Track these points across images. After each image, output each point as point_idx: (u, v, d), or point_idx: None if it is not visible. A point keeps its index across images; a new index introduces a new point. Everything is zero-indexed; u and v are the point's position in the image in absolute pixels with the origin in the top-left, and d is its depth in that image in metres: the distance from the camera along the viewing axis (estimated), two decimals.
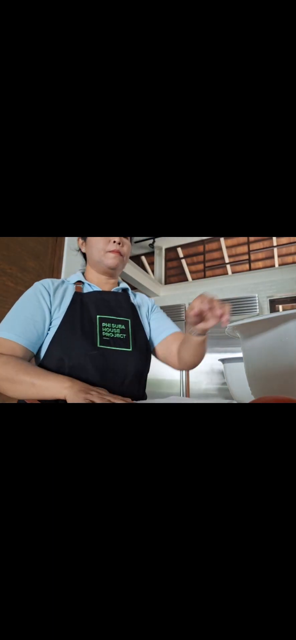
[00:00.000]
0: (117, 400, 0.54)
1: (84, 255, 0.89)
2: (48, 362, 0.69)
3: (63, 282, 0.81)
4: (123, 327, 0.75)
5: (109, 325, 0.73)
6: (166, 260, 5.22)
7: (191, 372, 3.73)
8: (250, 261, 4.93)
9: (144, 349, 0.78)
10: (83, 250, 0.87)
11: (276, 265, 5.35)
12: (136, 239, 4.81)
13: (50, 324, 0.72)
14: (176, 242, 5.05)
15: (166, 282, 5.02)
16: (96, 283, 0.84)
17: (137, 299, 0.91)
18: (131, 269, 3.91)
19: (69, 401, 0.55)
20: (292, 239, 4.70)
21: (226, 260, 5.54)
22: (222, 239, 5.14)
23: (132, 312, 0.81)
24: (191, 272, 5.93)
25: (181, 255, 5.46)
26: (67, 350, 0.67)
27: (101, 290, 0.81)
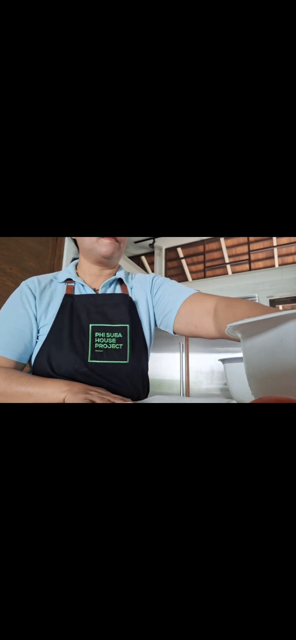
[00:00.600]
0: (117, 400, 0.53)
1: (76, 242, 0.79)
2: (37, 373, 0.65)
3: (52, 280, 0.74)
4: (120, 335, 0.67)
5: (103, 335, 0.65)
6: (166, 260, 5.22)
7: (191, 372, 3.73)
8: (250, 261, 4.93)
9: (143, 354, 0.72)
10: (76, 239, 0.78)
11: (276, 265, 5.36)
12: (136, 239, 4.81)
13: (38, 332, 0.67)
14: (176, 242, 5.06)
15: None
16: (89, 276, 0.75)
17: (135, 288, 0.79)
18: (131, 269, 3.92)
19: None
20: (292, 239, 4.70)
21: (226, 260, 5.55)
22: (222, 239, 5.14)
23: (131, 314, 0.71)
24: (191, 272, 5.93)
25: (181, 255, 5.46)
26: (54, 366, 0.62)
27: (94, 292, 0.72)
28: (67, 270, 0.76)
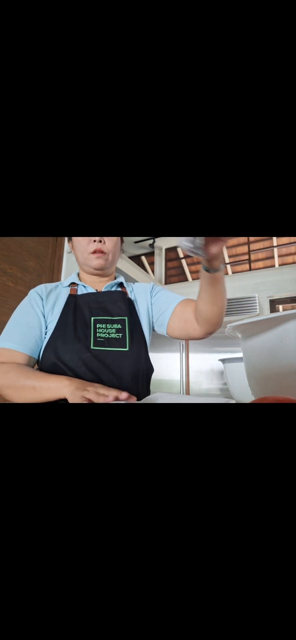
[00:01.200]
0: (112, 393, 0.53)
1: None
2: (44, 368, 0.70)
3: (57, 286, 0.81)
4: (119, 326, 0.73)
5: (104, 326, 0.72)
6: (166, 260, 5.22)
7: (191, 372, 3.72)
8: (250, 261, 4.92)
9: (142, 346, 0.76)
10: (73, 252, 0.84)
11: (277, 265, 5.35)
12: (136, 239, 4.81)
13: (46, 328, 0.73)
14: (176, 242, 5.05)
15: (166, 282, 5.01)
16: (89, 283, 0.82)
17: (135, 291, 0.86)
18: (131, 269, 3.91)
19: (68, 399, 0.57)
20: (292, 239, 4.69)
21: (226, 260, 5.54)
22: None
23: (129, 309, 0.78)
24: (191, 272, 5.92)
25: (181, 255, 5.46)
26: (60, 355, 0.67)
27: (95, 291, 0.79)
28: (70, 277, 0.84)
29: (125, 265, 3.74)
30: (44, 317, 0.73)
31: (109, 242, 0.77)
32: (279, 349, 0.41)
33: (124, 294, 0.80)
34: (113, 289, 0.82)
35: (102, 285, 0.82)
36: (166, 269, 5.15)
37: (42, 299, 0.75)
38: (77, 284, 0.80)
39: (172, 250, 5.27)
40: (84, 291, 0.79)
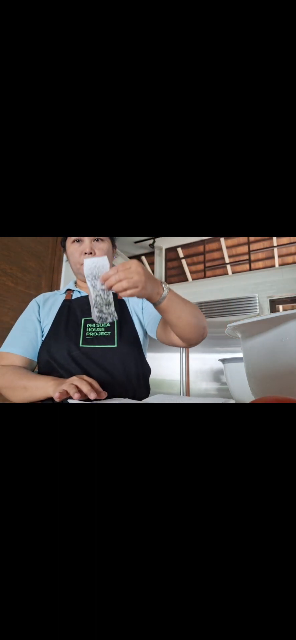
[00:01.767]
0: (84, 387, 0.54)
1: None
2: (40, 367, 0.76)
3: (55, 293, 0.88)
4: (108, 324, 0.77)
5: (93, 325, 0.76)
6: (166, 260, 5.22)
7: (191, 372, 3.72)
8: (250, 261, 4.92)
9: (134, 343, 0.78)
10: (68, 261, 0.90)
11: (277, 265, 5.35)
12: (136, 239, 4.81)
13: (42, 332, 0.79)
14: (176, 242, 5.05)
15: (167, 282, 5.01)
16: (85, 288, 0.86)
17: (130, 297, 0.90)
18: None
19: (53, 396, 0.59)
20: (292, 239, 4.69)
21: (226, 260, 5.54)
22: (222, 239, 5.14)
23: (120, 308, 0.83)
24: (191, 272, 5.93)
25: (181, 255, 5.46)
26: (52, 353, 0.72)
27: (87, 295, 0.83)
28: (68, 285, 0.90)
29: None
30: (40, 321, 0.80)
31: (100, 253, 0.80)
32: (279, 349, 0.41)
33: (115, 295, 0.82)
34: None
35: None
36: (166, 269, 5.15)
37: (39, 306, 0.82)
38: (73, 290, 0.87)
39: (172, 250, 5.27)
40: (79, 295, 0.85)
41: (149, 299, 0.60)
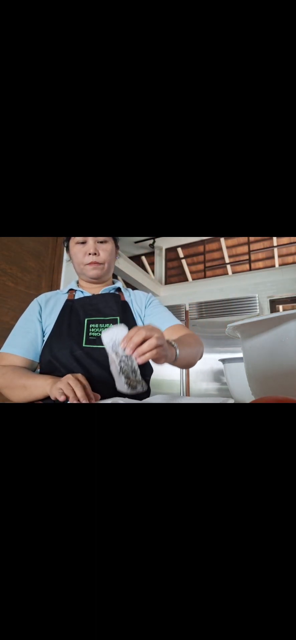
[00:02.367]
0: (78, 391, 0.55)
1: None
2: (42, 367, 0.76)
3: (57, 293, 0.87)
4: (111, 325, 0.75)
5: (96, 325, 0.76)
6: (166, 260, 5.22)
7: (191, 372, 3.72)
8: (250, 261, 4.92)
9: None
10: (71, 261, 0.89)
11: (277, 265, 5.35)
12: (136, 239, 4.81)
13: (43, 333, 0.79)
14: (176, 242, 5.05)
15: (166, 282, 5.01)
16: (88, 288, 0.87)
17: (132, 296, 0.91)
18: (131, 269, 3.91)
19: (50, 395, 0.61)
20: (292, 239, 4.69)
21: (226, 260, 5.54)
22: (222, 239, 5.14)
23: (123, 309, 0.81)
24: (191, 272, 5.93)
25: (181, 255, 5.46)
26: (54, 353, 0.72)
27: (90, 294, 0.84)
28: (70, 284, 0.90)
29: (125, 265, 3.73)
30: (41, 321, 0.79)
31: (104, 253, 0.81)
32: (279, 349, 0.41)
33: (118, 295, 0.84)
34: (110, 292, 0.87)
35: (99, 289, 0.86)
36: (166, 269, 5.15)
37: (40, 307, 0.81)
38: (75, 290, 0.86)
39: (172, 250, 5.27)
40: (81, 295, 0.84)
41: (167, 360, 0.58)
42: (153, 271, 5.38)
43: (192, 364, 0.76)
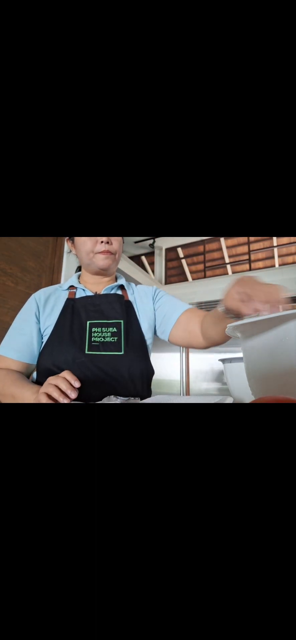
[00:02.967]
0: (57, 378, 0.53)
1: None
2: (40, 372, 0.71)
3: (56, 289, 0.81)
4: (115, 329, 0.72)
5: (99, 330, 0.72)
6: (166, 260, 5.22)
7: (191, 372, 3.72)
8: (250, 261, 4.92)
9: (140, 348, 0.75)
10: (73, 252, 0.84)
11: (277, 265, 5.35)
12: (136, 239, 4.81)
13: (42, 334, 0.75)
14: (176, 242, 5.05)
15: (166, 282, 5.01)
16: (90, 284, 0.82)
17: (135, 294, 0.86)
18: (131, 269, 3.91)
19: (37, 401, 0.57)
20: (292, 239, 4.69)
21: (226, 260, 5.54)
22: (222, 239, 5.13)
23: (127, 311, 0.77)
24: (191, 272, 5.93)
25: (181, 255, 5.46)
26: (55, 359, 0.67)
27: (92, 294, 0.79)
28: (71, 279, 0.84)
29: (125, 265, 3.73)
30: (39, 324, 0.75)
31: (115, 242, 0.77)
32: (279, 349, 0.41)
33: (122, 296, 0.79)
34: (113, 291, 0.82)
35: (103, 286, 0.81)
36: (166, 269, 5.15)
37: (38, 306, 0.77)
38: (76, 287, 0.81)
39: (172, 250, 5.27)
40: (83, 294, 0.79)
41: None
42: (152, 271, 5.38)
43: (223, 336, 0.68)
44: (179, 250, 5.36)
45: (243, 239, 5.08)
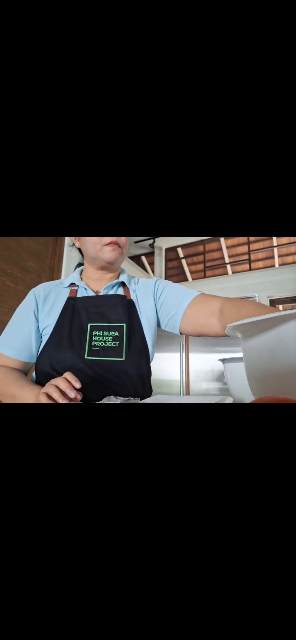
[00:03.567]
0: (61, 384, 0.52)
1: (80, 250, 0.83)
2: (39, 375, 0.69)
3: (57, 285, 0.79)
4: (117, 333, 0.69)
5: (100, 333, 0.69)
6: (166, 260, 5.22)
7: (191, 372, 3.72)
8: (250, 261, 4.93)
9: (143, 353, 0.72)
10: (77, 245, 0.81)
11: (277, 265, 5.35)
12: (136, 239, 4.81)
13: (41, 333, 0.72)
14: (176, 242, 5.06)
15: None
16: (92, 280, 0.79)
17: (137, 290, 0.82)
18: (131, 269, 3.92)
19: (37, 401, 0.56)
20: (292, 239, 4.70)
21: (226, 260, 5.55)
22: (222, 239, 5.14)
23: (129, 313, 0.74)
24: (191, 272, 5.93)
25: (181, 255, 5.46)
26: (54, 363, 0.66)
27: (94, 294, 0.76)
28: (72, 276, 0.81)
29: (125, 265, 3.74)
30: (38, 322, 0.73)
31: (123, 237, 0.74)
32: (279, 349, 0.41)
33: (124, 297, 0.76)
34: (114, 289, 0.79)
35: (104, 283, 0.79)
36: (166, 268, 5.15)
37: (37, 303, 0.74)
38: (78, 286, 0.78)
39: (172, 250, 5.27)
40: (84, 293, 0.77)
41: None
42: (152, 271, 5.38)
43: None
44: (179, 250, 5.37)
45: (243, 239, 5.08)
